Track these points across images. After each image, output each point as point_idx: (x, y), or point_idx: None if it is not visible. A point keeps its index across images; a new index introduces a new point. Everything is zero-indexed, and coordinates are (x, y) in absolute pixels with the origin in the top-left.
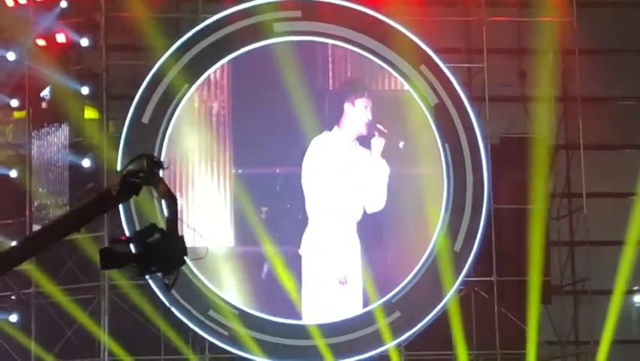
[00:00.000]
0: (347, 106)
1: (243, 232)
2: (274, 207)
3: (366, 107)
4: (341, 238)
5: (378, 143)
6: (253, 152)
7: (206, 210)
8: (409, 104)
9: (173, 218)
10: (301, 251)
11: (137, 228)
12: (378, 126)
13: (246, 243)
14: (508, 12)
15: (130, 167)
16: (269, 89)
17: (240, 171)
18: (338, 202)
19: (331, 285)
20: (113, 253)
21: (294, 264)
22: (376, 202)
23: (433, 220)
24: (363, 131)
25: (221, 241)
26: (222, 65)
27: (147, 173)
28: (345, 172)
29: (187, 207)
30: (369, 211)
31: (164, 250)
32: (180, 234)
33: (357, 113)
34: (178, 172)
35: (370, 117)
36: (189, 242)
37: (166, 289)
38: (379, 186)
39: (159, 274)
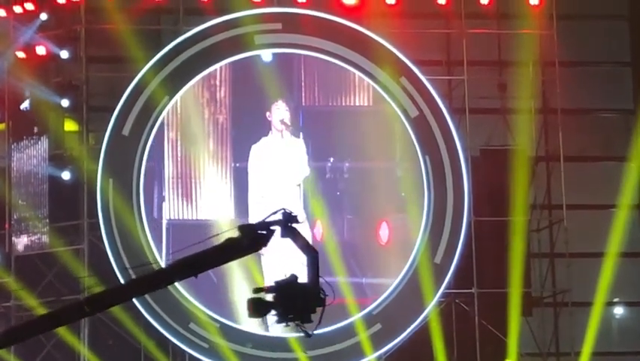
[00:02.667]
0: (268, 114)
1: (240, 207)
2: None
3: (278, 108)
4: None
5: (286, 132)
6: (247, 151)
7: (214, 193)
8: (377, 119)
9: (313, 270)
10: None
11: (118, 241)
12: (284, 120)
13: (242, 216)
14: (488, 24)
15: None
16: (257, 99)
17: (237, 164)
18: (278, 191)
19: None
20: (260, 302)
21: None
22: (301, 172)
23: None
24: (280, 127)
25: (226, 214)
26: (223, 78)
27: (284, 227)
28: (278, 164)
29: (200, 192)
30: (298, 183)
31: (303, 299)
32: (320, 285)
33: (274, 117)
34: (193, 166)
35: (283, 115)
36: None
37: (306, 336)
38: (300, 159)
39: (297, 322)
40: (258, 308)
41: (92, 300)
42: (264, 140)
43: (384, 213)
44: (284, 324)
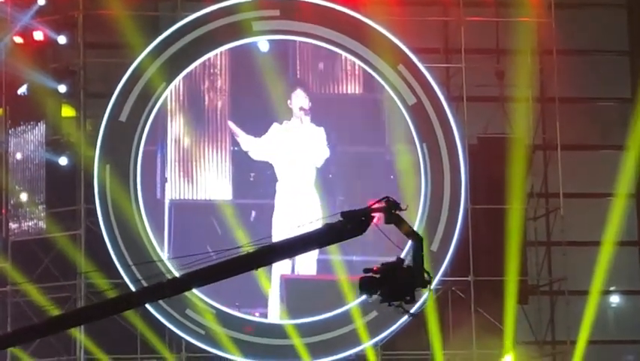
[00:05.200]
0: (289, 102)
1: (238, 189)
2: (259, 173)
3: (297, 96)
4: (301, 192)
5: (306, 119)
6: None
7: (214, 175)
8: (367, 106)
9: (418, 254)
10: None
11: (115, 227)
12: (302, 107)
13: (240, 197)
14: (486, 12)
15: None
16: (255, 87)
17: (235, 148)
18: (296, 170)
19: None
20: (369, 281)
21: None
22: (319, 157)
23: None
24: (300, 114)
25: (223, 195)
26: (222, 66)
27: (388, 214)
28: (298, 148)
29: (200, 173)
30: (318, 166)
31: (407, 281)
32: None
33: (294, 104)
34: (194, 149)
35: (302, 102)
36: None
37: (408, 316)
38: (318, 144)
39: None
40: (367, 287)
41: (174, 282)
42: (285, 123)
43: (373, 194)
44: (387, 304)
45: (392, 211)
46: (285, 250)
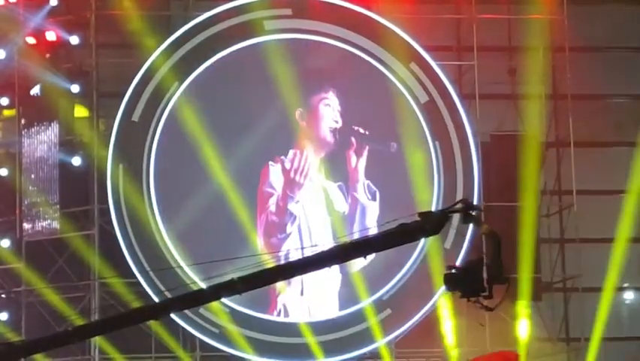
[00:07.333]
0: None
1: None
2: None
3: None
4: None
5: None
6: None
7: None
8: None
9: (496, 253)
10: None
11: (128, 227)
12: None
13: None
14: (498, 9)
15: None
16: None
17: None
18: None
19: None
20: (452, 277)
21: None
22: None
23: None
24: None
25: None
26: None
27: (465, 214)
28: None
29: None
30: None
31: (486, 279)
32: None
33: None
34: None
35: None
36: None
37: (487, 310)
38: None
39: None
40: (450, 282)
41: (247, 279)
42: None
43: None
44: (466, 299)
45: (469, 212)
46: (356, 249)
